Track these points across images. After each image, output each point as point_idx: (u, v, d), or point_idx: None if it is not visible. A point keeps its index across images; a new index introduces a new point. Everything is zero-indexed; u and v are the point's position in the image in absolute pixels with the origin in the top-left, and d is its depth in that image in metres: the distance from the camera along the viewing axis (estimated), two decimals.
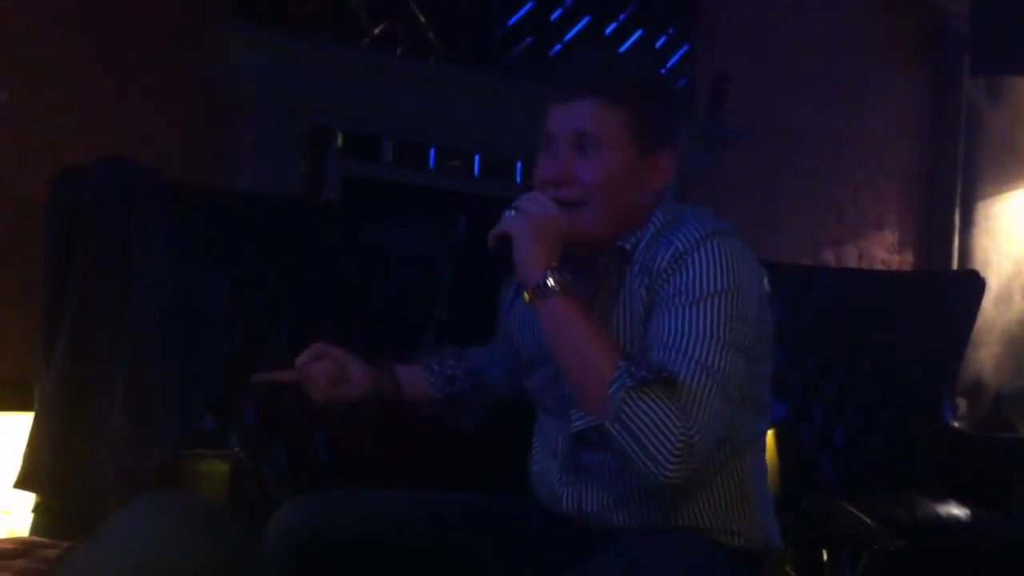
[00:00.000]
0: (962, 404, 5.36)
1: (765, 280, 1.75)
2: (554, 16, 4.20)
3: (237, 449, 2.44)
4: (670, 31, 4.52)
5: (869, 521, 2.80)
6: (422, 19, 3.84)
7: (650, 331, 1.67)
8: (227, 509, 2.24)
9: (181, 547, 1.61)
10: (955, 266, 5.79)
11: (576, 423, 1.64)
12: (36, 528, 2.47)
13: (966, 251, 5.92)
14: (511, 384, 2.06)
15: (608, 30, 4.35)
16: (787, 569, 2.81)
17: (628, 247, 1.76)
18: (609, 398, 1.56)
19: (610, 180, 1.73)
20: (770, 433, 2.93)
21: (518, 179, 4.16)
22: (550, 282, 1.64)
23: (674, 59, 4.52)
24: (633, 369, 1.57)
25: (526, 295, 1.68)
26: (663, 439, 1.54)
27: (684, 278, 1.65)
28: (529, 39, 4.13)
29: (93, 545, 1.66)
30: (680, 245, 1.66)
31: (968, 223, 5.95)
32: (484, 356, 2.11)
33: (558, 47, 4.20)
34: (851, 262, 5.50)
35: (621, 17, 4.38)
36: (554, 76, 1.81)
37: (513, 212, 1.71)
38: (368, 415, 2.02)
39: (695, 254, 1.65)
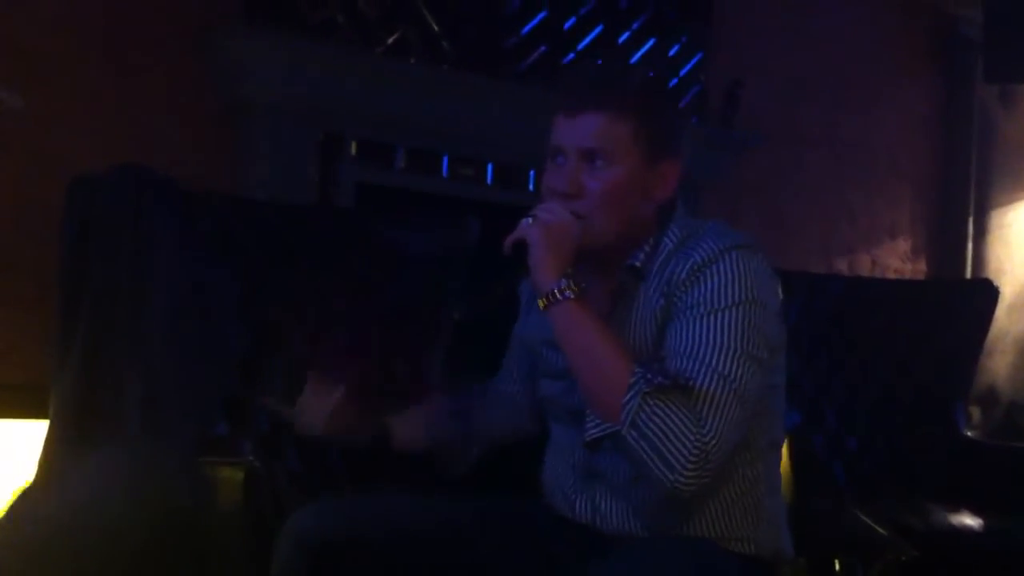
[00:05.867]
0: (975, 412, 5.35)
1: (779, 288, 1.76)
2: (568, 24, 4.19)
3: (251, 457, 2.44)
4: (683, 39, 4.51)
5: (881, 529, 2.79)
6: (436, 27, 3.84)
7: (666, 341, 1.67)
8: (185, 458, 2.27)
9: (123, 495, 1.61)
10: (968, 275, 5.76)
11: (591, 431, 1.65)
12: None
13: (980, 260, 5.90)
14: (519, 426, 2.08)
15: (622, 39, 4.34)
16: None
17: (638, 264, 1.76)
18: (625, 404, 1.56)
19: (618, 191, 1.75)
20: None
21: (531, 187, 4.16)
22: (565, 289, 1.65)
23: (688, 67, 4.52)
24: (650, 375, 1.57)
25: (541, 302, 1.68)
26: (680, 446, 1.54)
27: (703, 289, 1.65)
28: (543, 47, 4.12)
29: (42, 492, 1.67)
30: (700, 257, 1.67)
31: (981, 231, 5.93)
32: (501, 397, 2.11)
33: (571, 55, 4.20)
34: (864, 271, 5.48)
35: (634, 26, 4.37)
36: (559, 86, 1.83)
37: (530, 220, 1.72)
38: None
39: (715, 266, 1.66)
